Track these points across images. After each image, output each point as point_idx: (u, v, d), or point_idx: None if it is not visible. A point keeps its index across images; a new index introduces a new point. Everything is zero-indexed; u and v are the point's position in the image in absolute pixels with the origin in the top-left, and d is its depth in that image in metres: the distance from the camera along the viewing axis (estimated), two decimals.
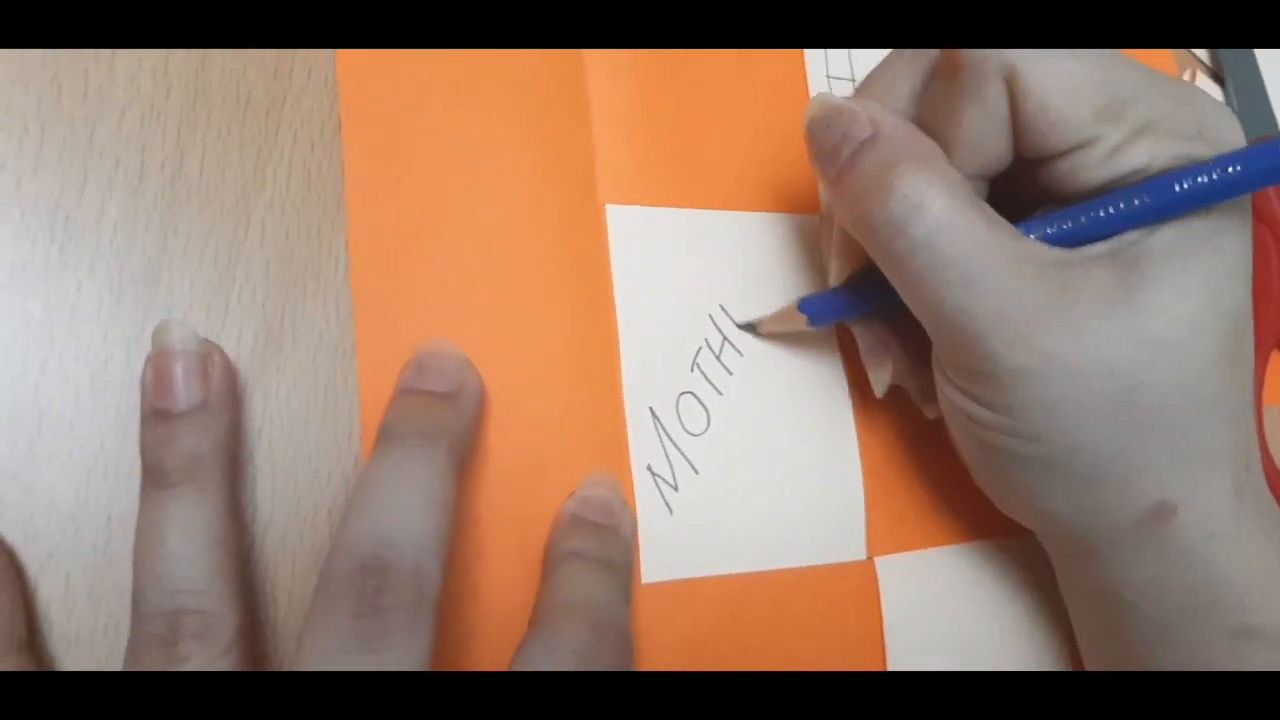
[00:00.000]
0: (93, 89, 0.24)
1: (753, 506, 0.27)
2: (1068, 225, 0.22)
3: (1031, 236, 0.22)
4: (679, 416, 0.27)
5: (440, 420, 0.22)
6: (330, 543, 0.21)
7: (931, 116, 0.24)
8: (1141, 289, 0.21)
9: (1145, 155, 0.22)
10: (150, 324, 0.23)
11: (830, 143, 0.24)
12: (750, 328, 0.28)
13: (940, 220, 0.22)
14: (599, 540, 0.24)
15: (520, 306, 0.26)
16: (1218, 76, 0.36)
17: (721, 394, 0.27)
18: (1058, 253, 0.22)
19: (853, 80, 0.30)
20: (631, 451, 0.26)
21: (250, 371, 0.24)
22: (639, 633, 0.26)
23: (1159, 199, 0.21)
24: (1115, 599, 0.24)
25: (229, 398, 0.22)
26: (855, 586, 0.28)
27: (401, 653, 0.19)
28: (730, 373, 0.27)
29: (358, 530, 0.20)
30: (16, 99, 0.23)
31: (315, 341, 0.25)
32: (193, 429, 0.21)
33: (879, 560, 0.28)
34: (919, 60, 0.25)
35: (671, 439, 0.27)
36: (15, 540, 0.22)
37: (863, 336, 0.27)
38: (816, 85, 0.29)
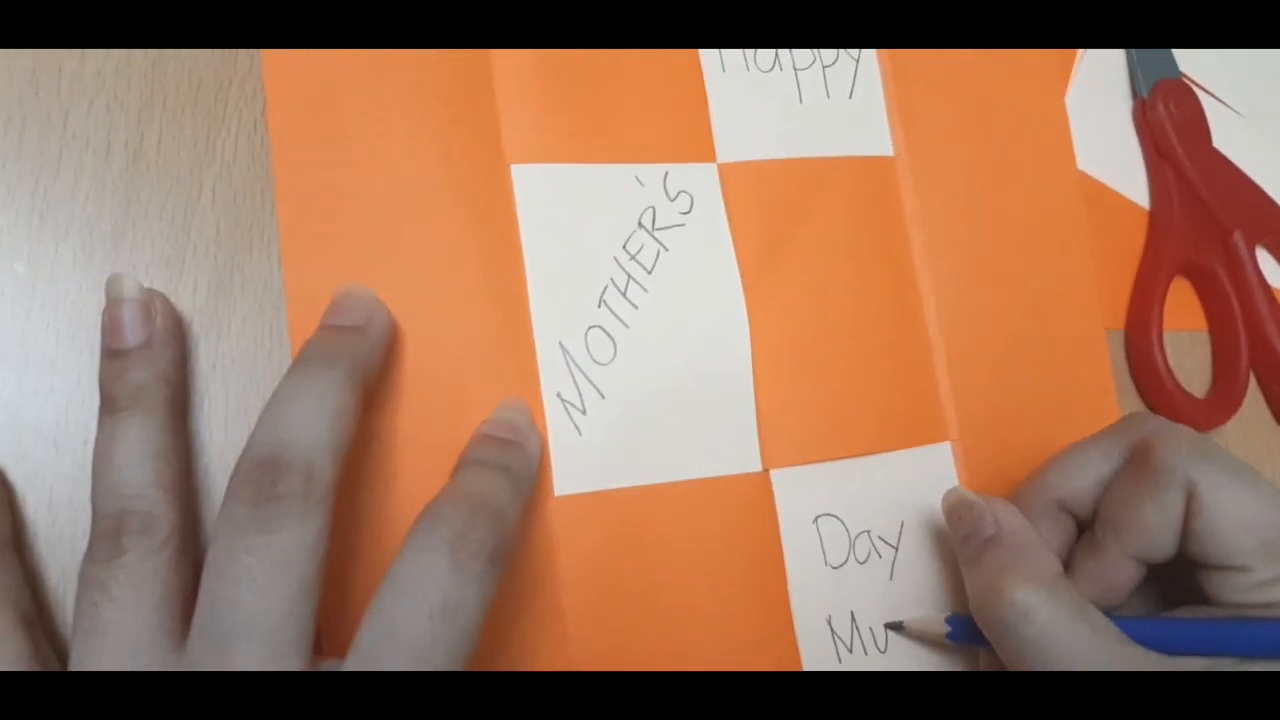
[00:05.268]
0: (65, 82, 0.27)
1: (655, 426, 0.28)
2: (1174, 637, 0.25)
3: (1134, 639, 0.24)
4: (587, 348, 0.28)
5: (341, 345, 0.24)
6: None
7: (1114, 498, 0.27)
8: None
9: None
10: None
11: (962, 532, 0.27)
12: (898, 626, 0.29)
13: (1046, 626, 0.24)
14: (500, 450, 0.25)
15: (433, 257, 0.27)
16: None
17: (628, 326, 0.29)
18: (1154, 659, 0.24)
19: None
20: (542, 381, 0.28)
21: (205, 316, 0.27)
22: (554, 540, 0.27)
23: (1268, 644, 0.24)
24: None
25: (172, 336, 0.25)
26: (751, 496, 0.29)
27: (292, 534, 0.21)
28: (636, 307, 0.29)
29: (259, 436, 0.22)
30: (1, 92, 0.26)
31: (261, 289, 0.27)
32: (137, 363, 0.23)
33: (774, 472, 0.29)
34: (1114, 453, 0.27)
35: (580, 368, 0.28)
36: (5, 460, 0.25)
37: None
38: None
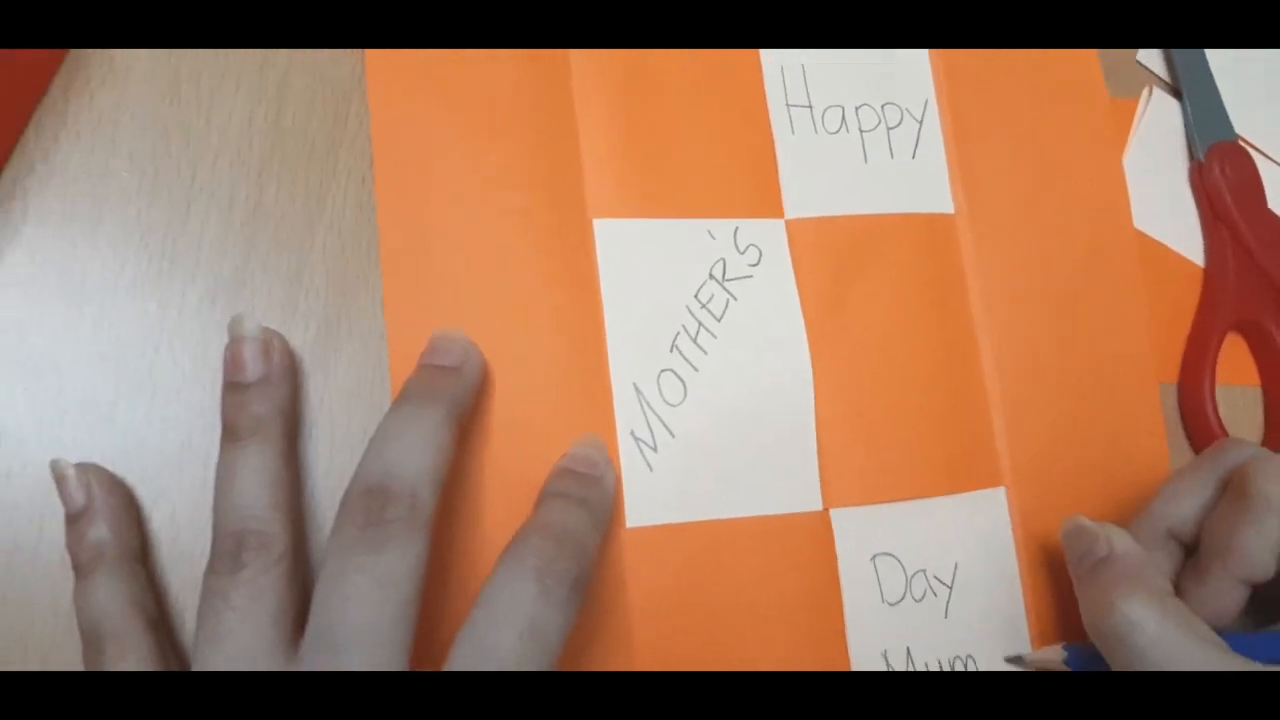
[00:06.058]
0: (194, 139, 0.29)
1: (722, 464, 0.30)
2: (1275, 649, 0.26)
3: (1239, 652, 0.25)
4: (660, 390, 0.30)
5: (440, 384, 0.26)
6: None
7: (1215, 525, 0.29)
8: None
9: None
10: None
11: (1078, 553, 0.29)
12: (1017, 659, 0.31)
13: (1155, 636, 0.26)
14: (579, 484, 0.27)
15: (520, 303, 0.29)
16: (1175, 91, 0.37)
17: (697, 370, 0.31)
18: (1259, 668, 0.25)
19: (809, 106, 0.33)
20: (617, 420, 0.30)
21: (315, 355, 0.29)
22: (625, 569, 0.29)
23: None
24: None
25: (287, 373, 0.27)
26: (811, 534, 0.30)
27: (398, 555, 0.23)
28: (705, 352, 0.31)
29: (368, 465, 0.24)
30: (137, 149, 0.29)
31: (366, 332, 0.29)
32: (256, 396, 0.26)
33: (834, 512, 0.30)
34: (1211, 480, 0.29)
35: (652, 409, 0.30)
36: (134, 481, 0.27)
37: None
38: (775, 107, 0.32)
